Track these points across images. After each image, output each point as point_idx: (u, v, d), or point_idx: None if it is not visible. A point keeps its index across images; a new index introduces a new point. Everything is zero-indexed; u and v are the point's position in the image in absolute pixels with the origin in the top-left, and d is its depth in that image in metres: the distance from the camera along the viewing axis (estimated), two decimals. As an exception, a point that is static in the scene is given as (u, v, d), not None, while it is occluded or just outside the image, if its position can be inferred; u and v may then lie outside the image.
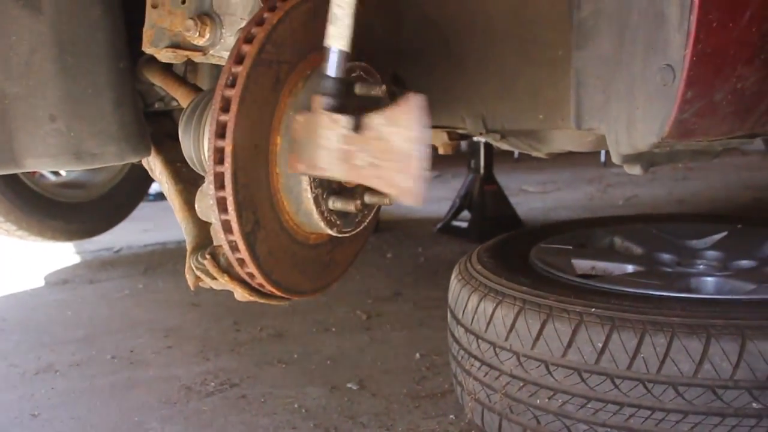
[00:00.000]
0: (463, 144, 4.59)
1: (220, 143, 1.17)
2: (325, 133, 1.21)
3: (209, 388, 2.12)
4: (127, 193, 3.82)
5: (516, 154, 7.21)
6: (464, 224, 4.11)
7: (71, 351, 2.46)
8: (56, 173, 4.24)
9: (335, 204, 1.31)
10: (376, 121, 1.17)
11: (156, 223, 4.59)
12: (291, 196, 1.29)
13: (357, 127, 1.18)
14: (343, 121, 1.19)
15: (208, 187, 1.19)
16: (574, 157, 7.21)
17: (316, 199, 1.28)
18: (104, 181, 3.72)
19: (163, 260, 3.72)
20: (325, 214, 1.31)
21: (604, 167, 6.65)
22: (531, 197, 5.35)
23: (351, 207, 1.30)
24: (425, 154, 1.13)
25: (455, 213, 4.19)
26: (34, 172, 4.62)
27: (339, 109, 1.22)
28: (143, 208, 4.53)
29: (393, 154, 1.14)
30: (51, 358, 2.40)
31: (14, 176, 3.08)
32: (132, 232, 4.30)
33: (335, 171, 1.20)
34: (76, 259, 3.81)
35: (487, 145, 4.11)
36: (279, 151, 1.26)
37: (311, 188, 1.27)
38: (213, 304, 2.90)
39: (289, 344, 2.45)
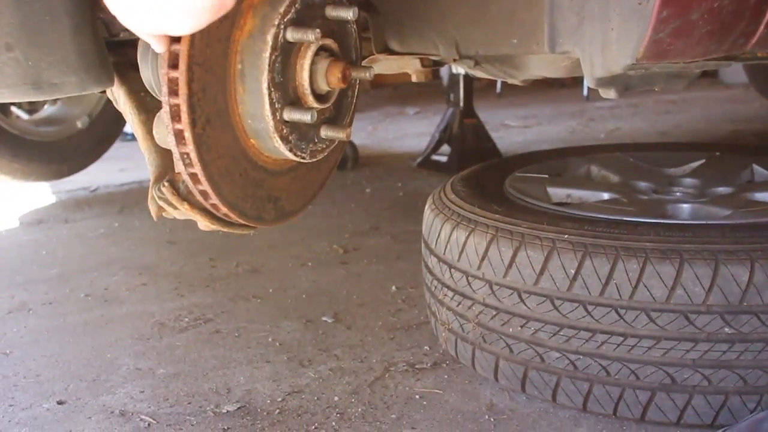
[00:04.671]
0: (444, 78, 4.53)
1: (174, 74, 1.12)
2: None
3: (183, 323, 2.10)
4: (100, 133, 3.75)
5: (498, 90, 7.14)
6: (444, 158, 4.07)
7: (44, 290, 2.43)
8: (29, 112, 4.16)
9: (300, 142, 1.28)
10: None
11: (133, 163, 4.52)
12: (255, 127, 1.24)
13: None
14: None
15: (164, 116, 1.14)
16: (557, 92, 7.15)
17: (284, 137, 1.24)
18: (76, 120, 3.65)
19: (139, 199, 3.67)
20: (293, 150, 1.27)
21: (587, 101, 6.59)
22: (512, 132, 5.31)
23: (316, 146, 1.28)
24: None
25: (435, 147, 4.14)
26: (10, 112, 4.55)
27: None
28: (121, 148, 4.48)
29: None
30: (24, 297, 2.37)
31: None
32: (109, 172, 4.25)
33: None
34: (51, 199, 3.76)
35: (467, 78, 4.04)
36: (237, 76, 1.21)
37: (277, 130, 1.23)
38: (189, 242, 2.87)
39: (265, 279, 2.43)
